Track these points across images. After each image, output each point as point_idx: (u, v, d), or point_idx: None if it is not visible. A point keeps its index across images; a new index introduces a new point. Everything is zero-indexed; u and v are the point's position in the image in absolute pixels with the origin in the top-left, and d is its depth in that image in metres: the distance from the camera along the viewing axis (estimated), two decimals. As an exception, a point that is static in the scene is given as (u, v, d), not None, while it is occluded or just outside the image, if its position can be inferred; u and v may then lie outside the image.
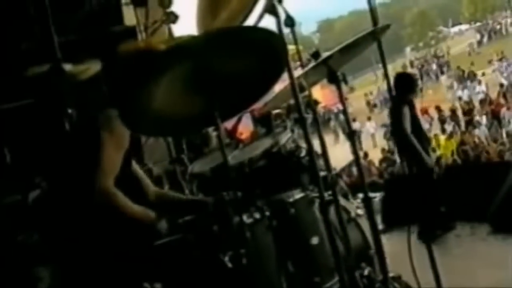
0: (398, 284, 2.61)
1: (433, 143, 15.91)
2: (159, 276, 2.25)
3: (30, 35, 4.23)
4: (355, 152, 2.49)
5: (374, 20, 2.77)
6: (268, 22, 2.33)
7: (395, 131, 6.48)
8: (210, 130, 4.14)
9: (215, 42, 2.00)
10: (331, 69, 2.38)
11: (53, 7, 4.47)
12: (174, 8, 5.99)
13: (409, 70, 37.48)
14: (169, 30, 6.33)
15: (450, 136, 17.56)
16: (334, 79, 2.39)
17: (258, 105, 2.92)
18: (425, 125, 22.35)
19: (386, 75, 3.06)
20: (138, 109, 2.12)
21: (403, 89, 6.24)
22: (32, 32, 4.28)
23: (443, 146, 16.44)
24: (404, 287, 2.65)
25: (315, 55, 2.38)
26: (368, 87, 39.08)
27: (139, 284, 2.27)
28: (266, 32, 2.06)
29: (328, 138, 2.98)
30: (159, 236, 2.35)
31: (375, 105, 34.51)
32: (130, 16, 5.89)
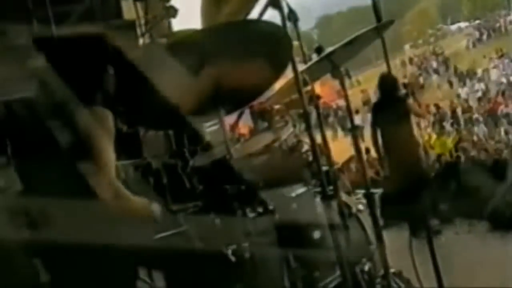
0: (399, 280, 2.61)
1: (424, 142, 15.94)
2: (160, 268, 2.25)
3: (28, 28, 4.22)
4: (357, 147, 2.49)
5: (378, 16, 2.77)
6: (269, 17, 2.34)
7: (387, 129, 6.47)
8: (206, 125, 4.14)
9: (220, 36, 2.00)
10: (335, 64, 2.38)
11: (52, 0, 4.46)
12: (174, 2, 6.00)
13: (408, 67, 37.49)
14: (168, 24, 6.33)
15: (440, 134, 17.56)
16: (338, 74, 2.38)
17: (258, 100, 2.91)
18: (424, 123, 22.42)
19: (389, 71, 3.06)
20: (141, 102, 2.12)
21: (391, 88, 6.29)
22: (30, 25, 4.26)
23: (434, 145, 16.44)
24: (405, 283, 2.65)
25: (318, 50, 2.38)
26: (367, 84, 39.00)
27: (136, 276, 2.28)
28: (271, 25, 2.06)
29: (327, 135, 2.97)
30: (155, 221, 2.35)
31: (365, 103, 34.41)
32: (129, 10, 5.90)
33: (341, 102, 24.86)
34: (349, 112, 2.55)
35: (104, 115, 2.39)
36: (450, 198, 6.64)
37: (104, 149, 2.41)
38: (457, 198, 6.68)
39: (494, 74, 28.87)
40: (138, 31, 6.04)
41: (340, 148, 12.24)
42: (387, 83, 6.41)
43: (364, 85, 39.18)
